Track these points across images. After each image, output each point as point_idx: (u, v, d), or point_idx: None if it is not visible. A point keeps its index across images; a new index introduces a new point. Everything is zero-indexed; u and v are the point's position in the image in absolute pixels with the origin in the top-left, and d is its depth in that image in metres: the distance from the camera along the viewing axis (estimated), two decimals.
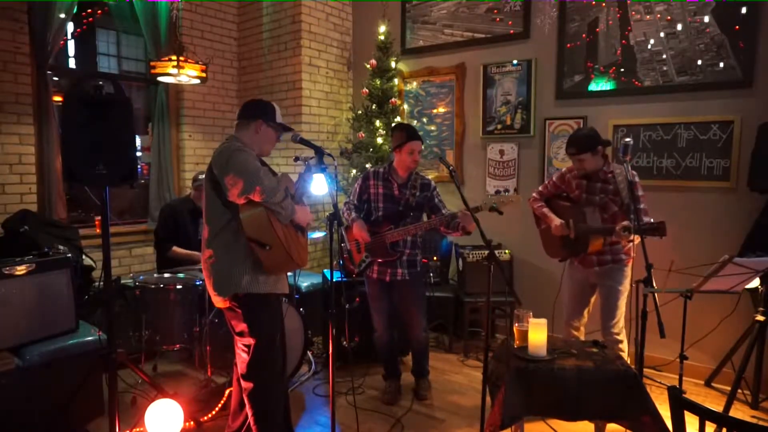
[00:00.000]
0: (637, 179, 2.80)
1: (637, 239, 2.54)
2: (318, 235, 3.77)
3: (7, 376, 2.50)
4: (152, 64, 3.71)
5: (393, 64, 4.52)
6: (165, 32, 4.40)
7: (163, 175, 4.58)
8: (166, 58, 3.67)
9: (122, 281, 3.63)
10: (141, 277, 3.25)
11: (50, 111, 3.74)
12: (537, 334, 2.26)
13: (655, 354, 3.54)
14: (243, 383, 2.29)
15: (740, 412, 3.01)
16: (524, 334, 2.33)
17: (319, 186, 2.56)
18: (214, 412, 2.85)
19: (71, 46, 4.86)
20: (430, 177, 3.17)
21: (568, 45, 3.91)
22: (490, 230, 2.66)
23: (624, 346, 2.85)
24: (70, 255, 2.98)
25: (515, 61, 4.15)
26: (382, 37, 4.49)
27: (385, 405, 3.13)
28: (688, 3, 3.43)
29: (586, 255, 2.86)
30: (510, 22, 4.18)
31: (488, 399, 2.34)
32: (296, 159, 2.48)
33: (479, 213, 2.62)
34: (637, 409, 2.13)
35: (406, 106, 4.75)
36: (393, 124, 4.26)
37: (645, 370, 2.47)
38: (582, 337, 3.03)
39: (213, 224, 2.22)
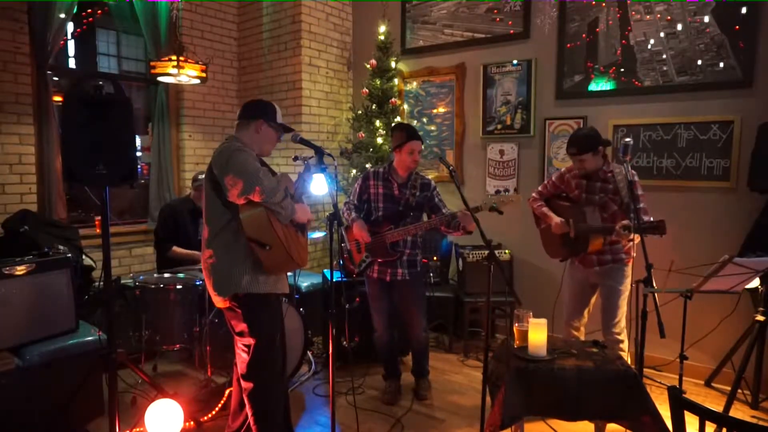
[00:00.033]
0: (636, 179, 2.80)
1: (637, 238, 2.54)
2: (318, 235, 3.77)
3: (7, 376, 2.50)
4: (152, 64, 3.71)
5: (393, 64, 4.52)
6: (165, 32, 4.40)
7: (163, 175, 4.58)
8: (166, 58, 3.67)
9: (122, 281, 3.63)
10: (141, 277, 3.25)
11: (50, 111, 3.74)
12: (537, 334, 2.26)
13: (655, 354, 3.54)
14: (243, 383, 2.29)
15: (740, 412, 3.01)
16: (524, 334, 2.33)
17: (319, 186, 2.56)
18: (214, 412, 2.85)
19: (71, 46, 4.86)
20: (430, 177, 3.17)
21: (568, 45, 3.91)
22: (490, 230, 2.66)
23: (625, 345, 2.85)
24: (70, 255, 2.98)
25: (515, 61, 4.15)
26: (382, 37, 4.49)
27: (385, 405, 3.13)
28: (688, 3, 3.43)
29: (587, 255, 2.86)
30: (510, 22, 4.18)
31: (488, 399, 2.34)
32: (295, 158, 2.48)
33: (479, 213, 2.62)
34: (637, 409, 2.13)
35: (406, 106, 4.75)
36: (393, 124, 4.26)
37: (645, 370, 2.47)
38: (582, 337, 3.03)
39: (213, 224, 2.22)
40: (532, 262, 4.07)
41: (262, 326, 2.24)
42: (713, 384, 3.40)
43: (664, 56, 3.55)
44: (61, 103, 3.32)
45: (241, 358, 2.27)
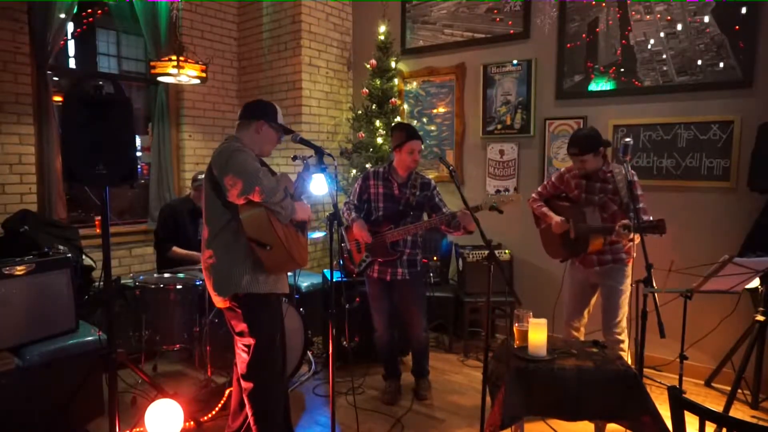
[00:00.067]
0: (636, 179, 2.80)
1: (637, 239, 2.54)
2: (318, 235, 3.77)
3: (7, 376, 2.50)
4: (152, 64, 3.71)
5: (393, 64, 4.52)
6: (165, 32, 4.40)
7: (163, 175, 4.58)
8: (166, 58, 3.67)
9: (122, 281, 3.63)
10: (141, 277, 3.25)
11: (50, 111, 3.75)
12: (537, 334, 2.26)
13: (655, 354, 3.54)
14: (243, 383, 2.29)
15: (740, 412, 3.01)
16: (524, 334, 2.33)
17: (318, 186, 2.56)
18: (214, 412, 2.85)
19: (71, 46, 4.86)
20: (430, 177, 3.17)
21: (568, 45, 3.91)
22: (490, 230, 2.66)
23: (626, 346, 2.84)
24: (70, 255, 2.98)
25: (515, 61, 4.15)
26: (382, 37, 4.49)
27: (385, 405, 3.13)
28: (688, 3, 3.43)
29: (587, 255, 2.86)
30: (510, 22, 4.18)
31: (488, 399, 2.34)
32: (294, 158, 2.48)
33: (479, 212, 2.62)
34: (637, 409, 2.13)
35: (406, 106, 4.75)
36: (393, 124, 4.26)
37: (645, 370, 2.47)
38: (582, 338, 3.03)
39: (213, 224, 2.22)
40: (532, 262, 4.07)
41: (262, 326, 2.24)
42: (713, 384, 3.40)
43: (664, 56, 3.55)
44: (61, 103, 3.32)
45: (241, 358, 2.27)
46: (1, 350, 2.58)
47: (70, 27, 4.31)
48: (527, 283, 4.10)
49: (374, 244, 3.00)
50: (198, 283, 3.13)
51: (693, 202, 3.50)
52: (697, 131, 3.47)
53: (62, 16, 3.75)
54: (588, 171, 2.84)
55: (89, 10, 4.41)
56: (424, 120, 4.67)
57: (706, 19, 3.39)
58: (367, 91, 4.47)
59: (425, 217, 3.08)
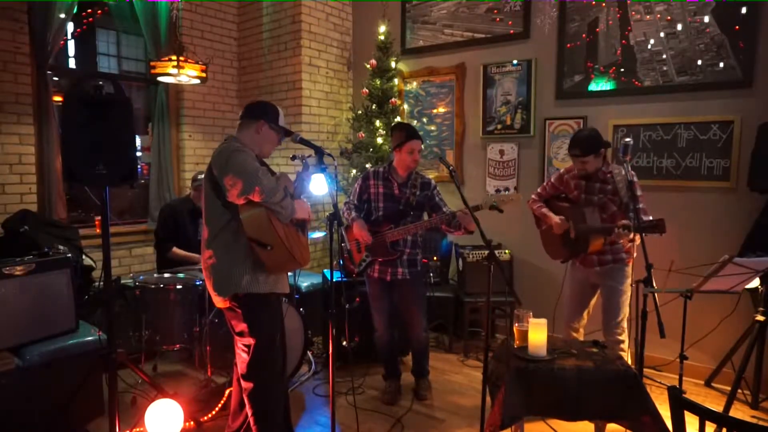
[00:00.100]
0: (635, 179, 2.80)
1: (637, 239, 2.54)
2: (318, 235, 3.77)
3: (7, 376, 2.50)
4: (152, 64, 3.71)
5: (393, 64, 4.52)
6: (165, 32, 4.40)
7: (163, 175, 4.58)
8: (166, 58, 3.67)
9: (122, 281, 3.63)
10: (141, 277, 3.25)
11: (50, 111, 3.75)
12: (537, 334, 2.26)
13: (655, 354, 3.54)
14: (243, 383, 2.29)
15: (740, 412, 3.01)
16: (524, 334, 2.33)
17: (318, 186, 2.56)
18: (214, 412, 2.85)
19: (71, 46, 4.86)
20: (430, 177, 3.17)
21: (568, 45, 3.91)
22: (490, 230, 2.66)
23: (626, 346, 2.84)
24: (70, 255, 2.98)
25: (515, 61, 4.15)
26: (382, 37, 4.49)
27: (385, 405, 3.13)
28: (688, 3, 3.43)
29: (587, 255, 2.86)
30: (510, 22, 4.18)
31: (488, 399, 2.34)
32: (293, 158, 2.48)
33: (479, 212, 2.62)
34: (637, 409, 2.13)
35: (406, 106, 4.75)
36: (393, 124, 4.26)
37: (645, 370, 2.47)
38: (581, 339, 3.03)
39: (213, 225, 2.22)
40: (532, 262, 4.07)
41: (262, 326, 2.24)
42: (713, 384, 3.40)
43: (664, 56, 3.55)
44: (61, 103, 3.32)
45: (241, 358, 2.27)
46: (1, 350, 2.58)
47: (70, 27, 4.31)
48: (527, 283, 4.10)
49: (374, 243, 3.00)
50: (198, 283, 3.13)
51: (693, 202, 3.50)
52: (697, 131, 3.47)
53: (62, 16, 3.75)
54: (588, 172, 2.84)
55: (89, 10, 4.41)
56: (424, 120, 4.67)
57: (706, 19, 3.39)
58: (367, 91, 4.47)
59: (425, 216, 3.08)
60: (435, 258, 4.27)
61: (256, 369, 2.24)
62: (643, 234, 2.37)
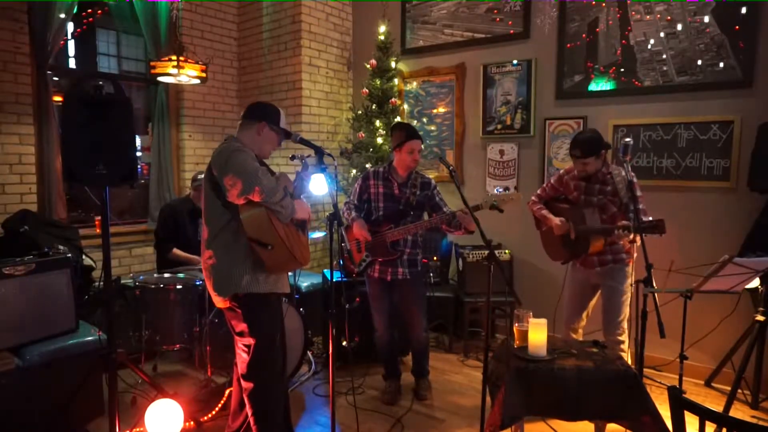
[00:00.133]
0: (635, 180, 2.80)
1: (638, 240, 2.54)
2: (318, 235, 3.77)
3: (7, 376, 2.50)
4: (152, 64, 3.71)
5: (393, 64, 4.52)
6: (165, 32, 4.40)
7: (163, 175, 4.58)
8: (166, 58, 3.67)
9: (122, 281, 3.62)
10: (141, 277, 3.25)
11: (50, 111, 3.75)
12: (537, 334, 2.26)
13: (655, 354, 3.53)
14: (243, 383, 2.29)
15: (740, 412, 3.01)
16: (524, 334, 2.33)
17: (318, 186, 2.56)
18: (214, 412, 2.86)
19: (71, 46, 4.86)
20: (430, 176, 3.17)
21: (568, 45, 3.91)
22: (490, 230, 2.66)
23: (626, 346, 2.84)
24: (70, 255, 2.98)
25: (515, 61, 4.15)
26: (382, 37, 4.49)
27: (385, 405, 3.13)
28: (688, 3, 3.43)
29: (587, 256, 2.86)
30: (510, 22, 4.18)
31: (488, 399, 2.34)
32: (292, 158, 2.48)
33: (480, 211, 2.62)
34: (637, 409, 2.13)
35: (406, 106, 4.75)
36: (392, 124, 4.26)
37: (645, 370, 2.47)
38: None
39: (212, 225, 2.22)
40: (532, 262, 4.07)
41: (262, 326, 2.24)
42: (713, 384, 3.40)
43: (664, 56, 3.55)
44: (61, 103, 3.32)
45: (242, 358, 2.27)
46: (1, 350, 2.58)
47: (70, 27, 4.31)
48: (527, 283, 4.10)
49: (374, 243, 3.00)
50: (198, 283, 3.13)
51: (693, 202, 3.50)
52: (697, 131, 3.47)
53: (62, 16, 3.75)
54: (589, 173, 2.84)
55: (89, 10, 4.41)
56: (424, 120, 4.67)
57: (706, 19, 3.39)
58: (367, 91, 4.47)
59: (425, 216, 3.08)
60: (435, 258, 4.27)
61: (257, 369, 2.24)
62: (643, 234, 2.37)
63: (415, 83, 4.71)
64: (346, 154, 4.47)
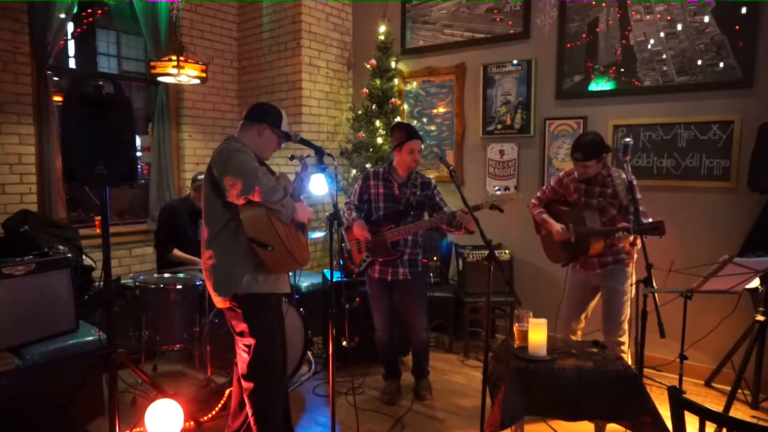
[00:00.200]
0: (635, 182, 2.80)
1: (638, 242, 2.54)
2: (318, 235, 3.77)
3: (7, 376, 2.50)
4: (152, 64, 3.71)
5: (393, 64, 4.52)
6: (165, 32, 4.40)
7: (163, 175, 4.58)
8: (166, 58, 3.67)
9: (122, 281, 3.62)
10: (141, 277, 3.25)
11: (50, 111, 3.75)
12: (537, 334, 2.26)
13: (655, 354, 3.53)
14: (243, 383, 2.29)
15: (740, 412, 3.01)
16: (524, 334, 2.33)
17: (318, 186, 2.55)
18: (214, 412, 2.86)
19: (71, 46, 4.86)
20: (430, 176, 3.17)
21: (568, 45, 3.91)
22: (490, 230, 2.66)
23: (626, 347, 2.84)
24: (70, 255, 2.98)
25: (515, 61, 4.15)
26: (382, 37, 4.49)
27: (385, 405, 3.13)
28: (688, 3, 3.43)
29: (588, 258, 2.86)
30: (510, 22, 4.18)
31: (488, 399, 2.34)
32: (292, 158, 2.48)
33: (480, 211, 2.62)
34: (637, 409, 2.13)
35: (406, 106, 4.75)
36: (392, 124, 4.26)
37: (645, 370, 2.47)
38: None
39: (212, 225, 2.22)
40: (532, 262, 4.07)
41: (262, 326, 2.24)
42: (713, 384, 3.40)
43: (664, 56, 3.55)
44: (61, 103, 3.32)
45: (242, 358, 2.27)
46: (1, 350, 2.58)
47: (70, 27, 4.31)
48: (527, 284, 4.10)
49: (375, 243, 3.00)
50: (198, 283, 3.13)
51: (693, 202, 3.50)
52: (697, 131, 3.47)
53: (62, 16, 3.75)
54: (589, 176, 2.84)
55: (89, 10, 4.41)
56: (424, 120, 4.67)
57: (706, 19, 3.39)
58: (367, 91, 4.47)
59: (426, 216, 3.08)
60: (435, 258, 4.27)
61: (257, 369, 2.24)
62: (643, 236, 2.37)
63: (415, 83, 4.71)
64: (346, 154, 4.47)
